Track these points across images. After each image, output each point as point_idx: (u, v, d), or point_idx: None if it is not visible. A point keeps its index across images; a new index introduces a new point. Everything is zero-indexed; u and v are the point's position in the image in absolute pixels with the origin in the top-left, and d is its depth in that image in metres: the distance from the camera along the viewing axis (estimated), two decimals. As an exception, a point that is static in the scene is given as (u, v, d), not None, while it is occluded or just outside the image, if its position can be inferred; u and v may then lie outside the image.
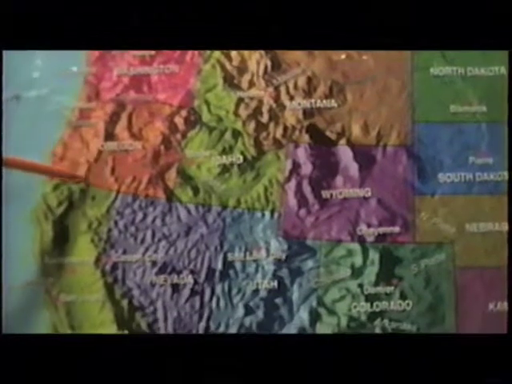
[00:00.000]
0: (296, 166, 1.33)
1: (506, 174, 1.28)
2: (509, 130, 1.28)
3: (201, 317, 1.25)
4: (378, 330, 1.21)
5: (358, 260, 1.26)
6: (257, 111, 1.38)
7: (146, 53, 1.40)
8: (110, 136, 1.37)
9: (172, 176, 1.34)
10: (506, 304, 1.20)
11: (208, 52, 1.41)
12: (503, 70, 1.33)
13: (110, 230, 1.31)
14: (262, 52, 1.39)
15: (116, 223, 1.31)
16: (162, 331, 1.24)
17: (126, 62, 1.41)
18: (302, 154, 1.33)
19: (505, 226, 1.25)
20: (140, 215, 1.31)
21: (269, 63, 1.39)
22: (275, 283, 1.25)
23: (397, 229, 1.28)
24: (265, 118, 1.37)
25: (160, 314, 1.25)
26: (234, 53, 1.41)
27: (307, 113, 1.37)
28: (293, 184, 1.32)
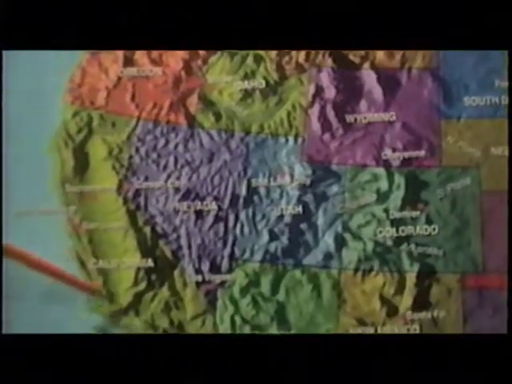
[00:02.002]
0: (319, 91, 1.25)
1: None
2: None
3: (225, 243, 1.19)
4: (404, 255, 1.16)
5: (383, 185, 1.19)
6: (279, 35, 1.30)
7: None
8: (129, 62, 1.28)
9: (193, 102, 1.26)
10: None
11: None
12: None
13: (131, 157, 1.24)
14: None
15: (137, 150, 1.24)
16: (187, 258, 1.19)
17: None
18: (325, 78, 1.25)
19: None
20: (162, 141, 1.24)
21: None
22: (300, 208, 1.19)
23: (422, 153, 1.21)
24: (287, 42, 1.30)
25: (184, 241, 1.19)
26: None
27: (330, 36, 1.29)
28: (316, 109, 1.24)
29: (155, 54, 1.29)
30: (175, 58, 1.28)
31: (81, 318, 1.17)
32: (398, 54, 1.26)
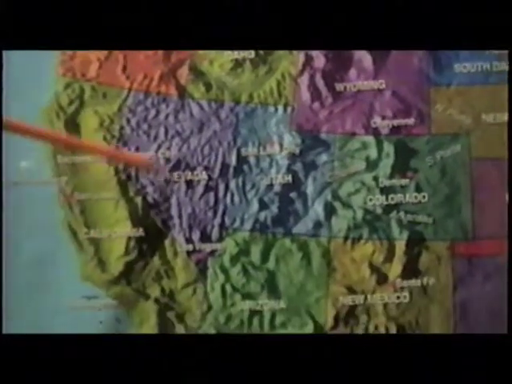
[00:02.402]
0: (309, 60, 1.24)
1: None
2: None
3: (215, 212, 1.19)
4: (393, 223, 1.15)
5: (372, 153, 1.19)
6: (269, 5, 1.29)
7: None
8: (120, 33, 1.29)
9: (184, 73, 1.26)
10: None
11: None
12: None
13: (122, 128, 1.24)
14: None
15: (128, 121, 1.24)
16: (177, 227, 1.18)
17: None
18: (314, 47, 1.25)
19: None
20: (152, 112, 1.24)
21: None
22: (289, 177, 1.19)
23: (412, 120, 1.20)
24: (277, 12, 1.29)
25: (174, 211, 1.19)
26: None
27: (320, 5, 1.28)
28: (306, 77, 1.24)
29: (145, 25, 1.29)
30: (165, 29, 1.28)
31: (73, 286, 1.18)
32: (388, 22, 1.25)
